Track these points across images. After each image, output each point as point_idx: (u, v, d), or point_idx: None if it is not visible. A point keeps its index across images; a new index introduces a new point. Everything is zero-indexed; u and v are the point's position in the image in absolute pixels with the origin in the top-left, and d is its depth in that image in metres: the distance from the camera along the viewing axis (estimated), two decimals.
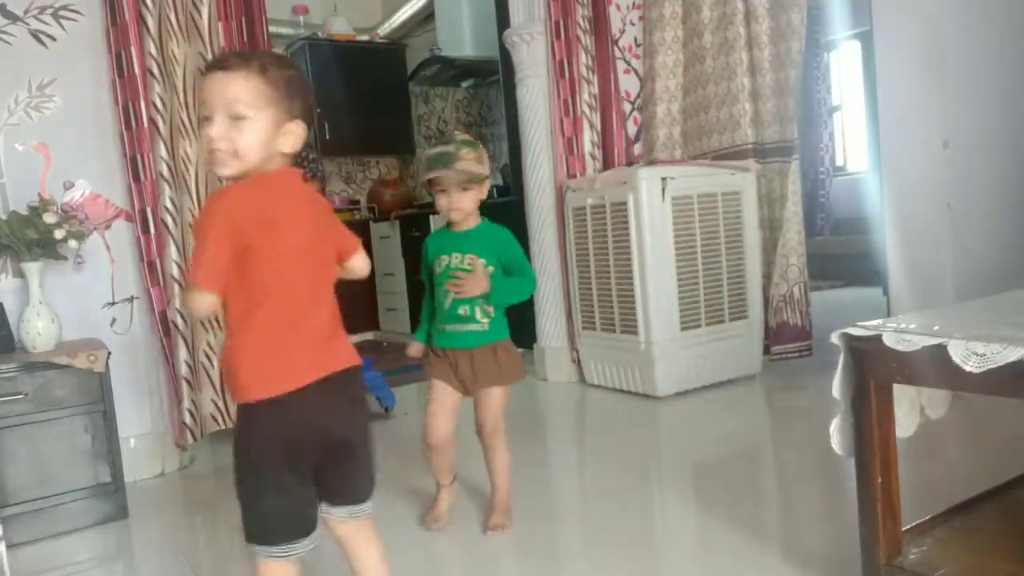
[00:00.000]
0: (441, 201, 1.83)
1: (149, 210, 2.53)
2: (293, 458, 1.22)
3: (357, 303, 5.43)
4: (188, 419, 2.58)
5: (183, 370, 2.58)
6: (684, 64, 3.61)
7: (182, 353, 2.58)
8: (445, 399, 1.87)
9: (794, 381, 3.23)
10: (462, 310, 1.82)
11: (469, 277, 1.81)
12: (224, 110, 1.14)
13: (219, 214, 1.13)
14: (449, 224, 1.89)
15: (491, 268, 1.82)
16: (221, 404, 2.72)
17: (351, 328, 3.65)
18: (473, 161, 1.80)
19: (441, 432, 1.88)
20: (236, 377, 1.20)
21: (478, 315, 1.83)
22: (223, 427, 2.72)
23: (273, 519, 1.27)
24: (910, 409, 1.36)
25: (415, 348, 1.96)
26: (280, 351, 1.17)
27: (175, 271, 2.57)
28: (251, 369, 1.17)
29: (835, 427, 1.34)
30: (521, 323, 4.14)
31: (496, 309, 1.85)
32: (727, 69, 3.41)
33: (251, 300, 1.14)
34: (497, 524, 1.89)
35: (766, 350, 3.34)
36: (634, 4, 3.67)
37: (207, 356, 2.70)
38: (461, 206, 1.83)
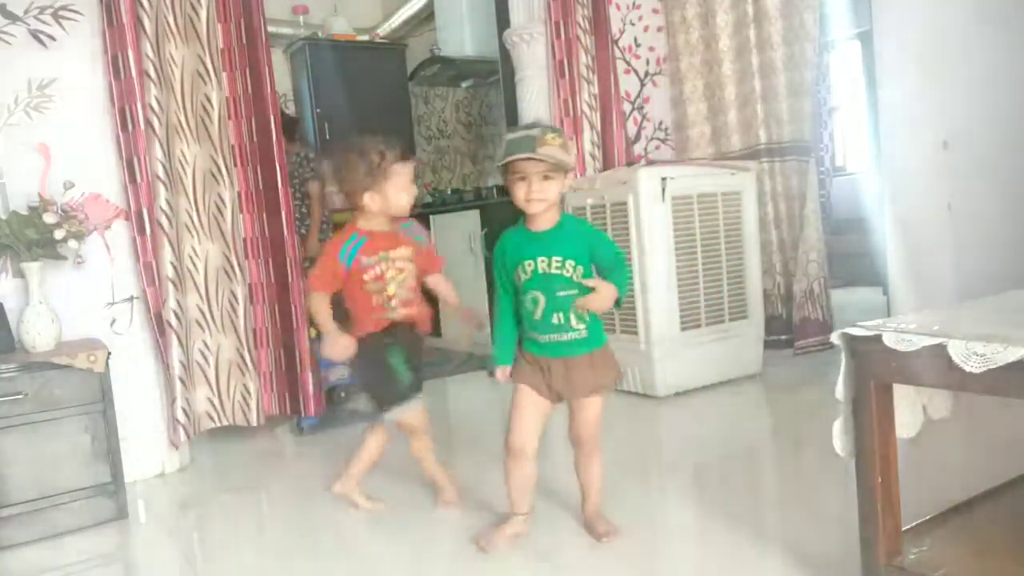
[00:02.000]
0: (518, 191, 1.65)
1: (145, 211, 2.53)
2: None
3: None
4: (181, 417, 2.58)
5: (177, 369, 2.58)
6: (711, 64, 3.66)
7: (176, 352, 2.58)
8: (534, 405, 1.73)
9: (794, 381, 3.23)
10: (556, 318, 1.68)
11: (593, 298, 1.68)
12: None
13: None
14: (526, 220, 1.72)
15: (580, 268, 1.68)
16: (216, 402, 2.72)
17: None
18: (559, 148, 1.63)
19: (527, 437, 1.73)
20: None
21: (573, 322, 1.70)
22: (218, 424, 2.73)
23: None
24: (912, 410, 1.36)
25: (503, 373, 1.79)
26: None
27: (170, 272, 2.57)
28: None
29: (838, 428, 1.34)
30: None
31: (591, 313, 1.71)
32: (746, 71, 3.47)
33: None
34: (606, 530, 1.80)
35: (788, 344, 3.37)
36: (635, 4, 3.67)
37: (202, 355, 2.70)
38: (544, 195, 1.64)
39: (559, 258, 1.67)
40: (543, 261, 1.68)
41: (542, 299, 1.68)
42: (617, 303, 1.71)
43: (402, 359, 2.02)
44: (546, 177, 1.64)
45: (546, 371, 1.72)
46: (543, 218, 1.69)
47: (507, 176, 1.67)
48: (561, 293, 1.68)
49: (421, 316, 2.09)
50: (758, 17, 3.42)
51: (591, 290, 1.68)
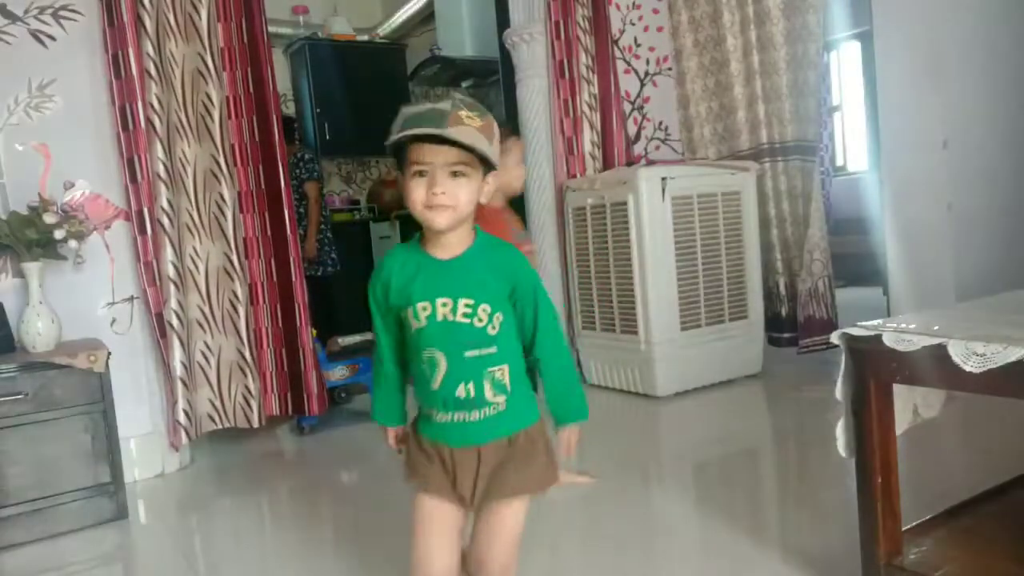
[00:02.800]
0: (415, 190, 1.11)
1: (146, 210, 2.53)
2: None
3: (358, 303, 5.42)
4: (183, 419, 2.58)
5: (178, 370, 2.57)
6: (720, 64, 3.68)
7: (177, 353, 2.58)
8: (441, 520, 1.21)
9: (794, 380, 3.23)
10: (462, 390, 1.15)
11: (570, 444, 1.26)
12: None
13: None
14: (423, 238, 1.19)
15: (499, 316, 1.16)
16: (218, 403, 2.72)
17: (353, 328, 3.64)
18: (478, 131, 1.10)
19: (438, 567, 1.20)
20: None
21: (488, 392, 1.16)
22: (220, 427, 2.72)
23: None
24: (902, 408, 1.36)
25: (392, 436, 1.32)
26: None
27: (171, 272, 2.57)
28: None
29: (840, 428, 1.34)
30: None
31: (515, 376, 1.19)
32: (751, 71, 3.49)
33: None
34: None
35: (793, 343, 3.37)
36: (635, 4, 3.67)
37: (204, 356, 2.70)
38: (454, 200, 1.11)
39: (469, 300, 1.14)
40: (444, 304, 1.14)
41: (442, 361, 1.15)
42: (509, 357, 1.20)
43: None
44: (458, 173, 1.11)
45: (450, 466, 1.19)
46: (450, 238, 1.16)
47: (401, 168, 1.15)
48: (471, 353, 1.15)
49: None
50: (763, 17, 3.43)
51: (518, 355, 1.21)
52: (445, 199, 1.11)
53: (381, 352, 1.27)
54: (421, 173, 1.11)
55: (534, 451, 1.21)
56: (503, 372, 1.18)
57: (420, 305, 1.15)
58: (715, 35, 3.64)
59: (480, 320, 1.15)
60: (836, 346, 1.34)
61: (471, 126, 1.10)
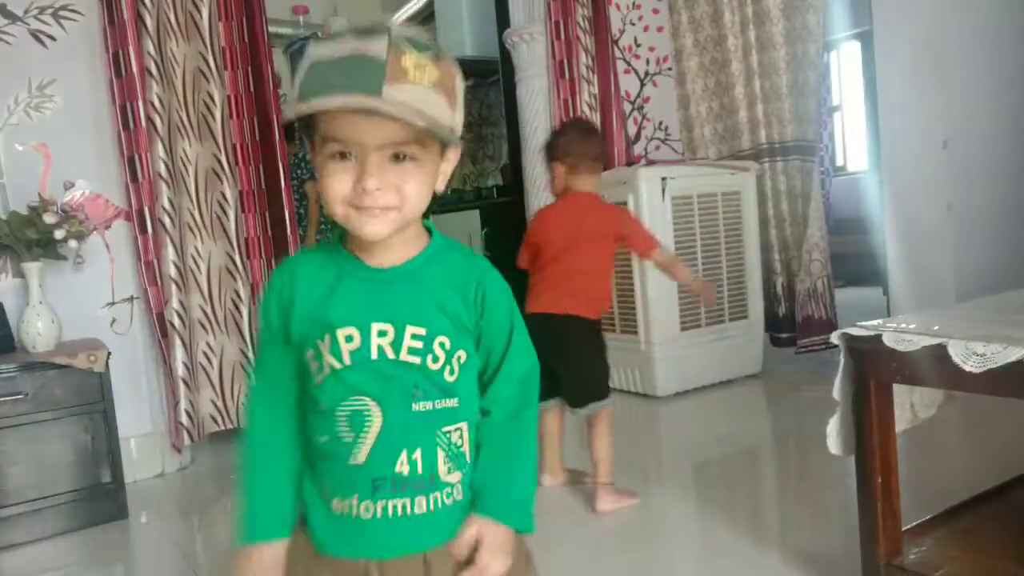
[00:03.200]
0: (334, 184, 0.76)
1: (147, 210, 2.53)
2: None
3: None
4: (185, 420, 2.58)
5: (180, 371, 2.57)
6: (720, 64, 3.68)
7: (179, 354, 2.57)
8: None
9: (794, 380, 3.23)
10: (404, 462, 0.80)
11: (486, 561, 0.81)
12: None
13: None
14: (348, 238, 0.83)
15: (461, 355, 0.82)
16: (220, 404, 2.72)
17: None
18: (433, 88, 0.74)
19: None
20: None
21: (442, 467, 0.82)
22: (222, 428, 2.72)
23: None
24: (900, 408, 1.36)
25: (271, 561, 0.87)
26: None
27: (172, 271, 2.57)
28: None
29: (832, 427, 1.34)
30: None
31: (475, 443, 0.85)
32: (752, 71, 3.50)
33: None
34: None
35: (792, 342, 3.38)
36: (635, 4, 3.68)
37: (206, 356, 2.70)
38: (395, 197, 0.76)
39: (419, 330, 0.80)
40: (382, 333, 0.79)
41: (376, 418, 0.79)
42: (465, 413, 0.84)
43: None
44: (402, 156, 0.76)
45: None
46: (392, 240, 0.80)
47: (310, 141, 0.79)
48: (422, 406, 0.80)
49: None
50: (763, 17, 3.45)
51: (471, 403, 0.85)
52: (383, 197, 0.75)
53: (264, 423, 0.85)
54: (343, 155, 0.75)
55: (501, 553, 0.83)
56: (462, 435, 0.83)
57: (343, 333, 0.78)
58: (715, 35, 3.65)
59: (436, 360, 0.80)
60: (835, 346, 1.34)
61: (421, 82, 0.72)
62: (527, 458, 0.89)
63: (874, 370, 1.27)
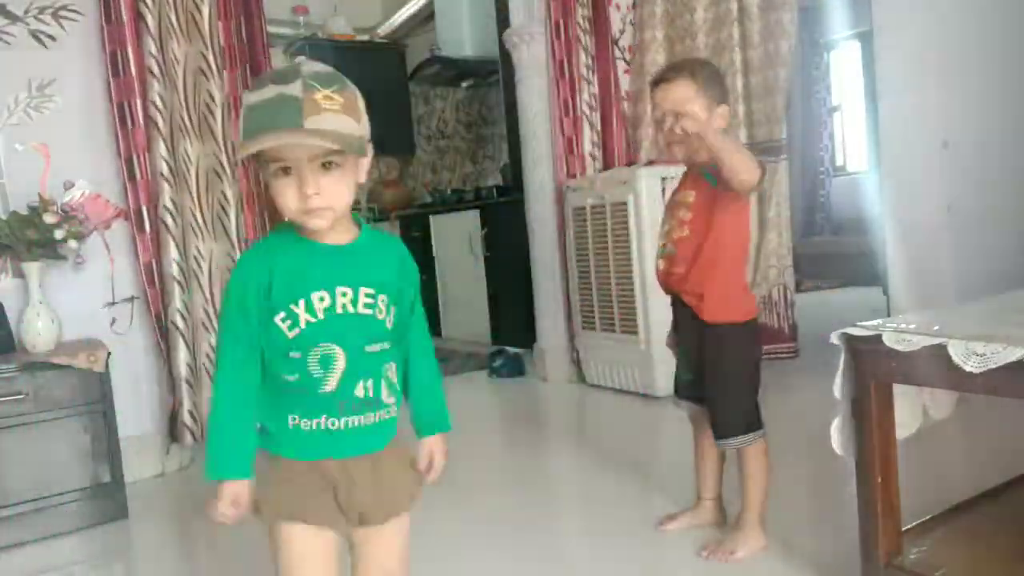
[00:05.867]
0: (285, 196, 1.01)
1: (145, 210, 2.53)
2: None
3: None
4: (188, 420, 2.58)
5: (183, 371, 2.57)
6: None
7: (182, 354, 2.57)
8: (325, 555, 1.09)
9: (793, 381, 3.22)
10: (360, 388, 1.06)
11: (436, 457, 1.18)
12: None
13: None
14: (299, 230, 1.07)
15: (394, 309, 1.10)
16: None
17: None
18: (340, 111, 0.97)
19: None
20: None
21: (385, 393, 1.09)
22: None
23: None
24: (912, 409, 1.36)
25: (233, 499, 1.04)
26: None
27: (174, 271, 2.56)
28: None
29: (835, 427, 1.34)
30: (520, 323, 4.17)
31: (400, 378, 1.14)
32: (724, 69, 3.43)
33: None
34: None
35: None
36: (633, 4, 3.67)
37: (208, 357, 2.69)
38: (333, 199, 1.01)
39: (369, 290, 1.05)
40: (343, 294, 1.04)
41: (340, 358, 1.04)
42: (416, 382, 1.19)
43: (681, 348, 1.76)
44: (329, 164, 0.99)
45: (339, 483, 1.06)
46: (337, 227, 1.06)
47: (260, 166, 1.03)
48: (372, 348, 1.06)
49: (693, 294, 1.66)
50: (731, 17, 3.37)
51: (403, 356, 1.14)
52: (320, 200, 0.99)
53: (237, 383, 1.06)
54: (286, 171, 0.99)
55: (407, 460, 1.15)
56: (393, 371, 1.10)
57: (316, 295, 1.03)
58: (681, 32, 3.55)
59: (380, 312, 1.06)
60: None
61: (331, 110, 0.96)
62: (440, 381, 1.22)
63: (874, 370, 1.27)
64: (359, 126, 1.00)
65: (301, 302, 1.03)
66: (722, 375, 1.66)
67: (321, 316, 1.03)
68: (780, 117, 3.30)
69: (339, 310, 1.04)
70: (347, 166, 1.01)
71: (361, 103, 1.02)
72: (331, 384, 1.04)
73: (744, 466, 1.69)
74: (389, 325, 1.08)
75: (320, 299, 1.03)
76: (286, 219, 1.05)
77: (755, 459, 1.68)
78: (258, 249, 1.13)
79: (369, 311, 1.05)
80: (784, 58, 3.23)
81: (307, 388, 1.05)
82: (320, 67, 0.99)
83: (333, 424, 1.06)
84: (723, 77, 1.73)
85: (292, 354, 1.04)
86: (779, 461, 2.41)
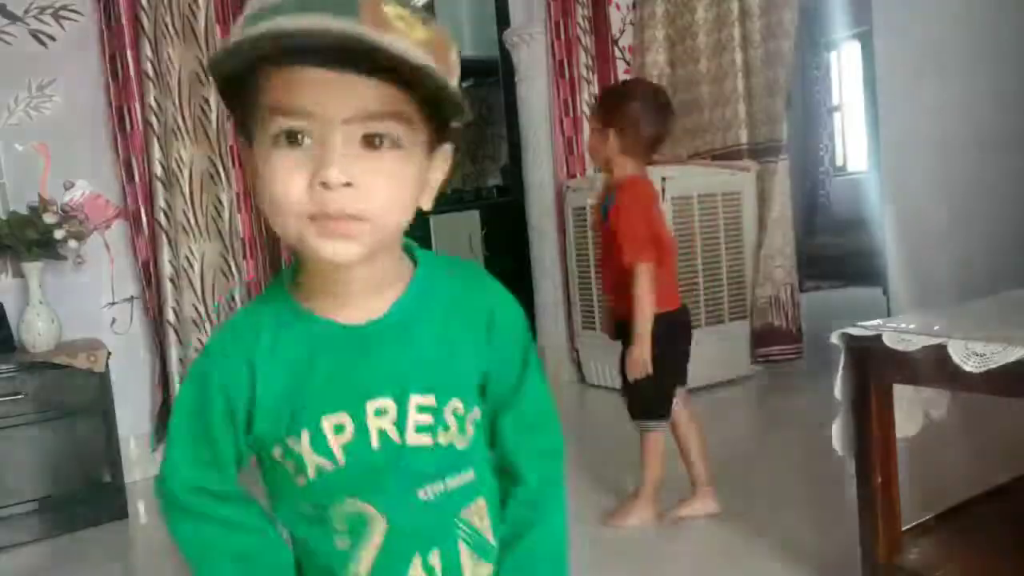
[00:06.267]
0: (284, 181, 0.55)
1: (143, 211, 2.53)
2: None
3: None
4: None
5: (177, 368, 2.57)
6: (675, 63, 3.61)
7: (175, 351, 2.57)
8: None
9: (794, 381, 3.22)
10: (418, 567, 0.63)
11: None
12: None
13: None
14: (299, 280, 0.65)
15: (475, 413, 0.66)
16: None
17: None
18: (419, 46, 0.53)
19: None
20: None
21: (467, 562, 0.65)
22: None
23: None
24: (912, 409, 1.36)
25: None
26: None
27: (169, 271, 2.57)
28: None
29: (837, 427, 1.34)
30: None
31: (495, 516, 0.68)
32: (721, 70, 3.43)
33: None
34: None
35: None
36: (633, 4, 3.67)
37: (196, 351, 2.70)
38: (368, 198, 0.55)
39: (427, 397, 0.63)
40: (382, 411, 0.62)
41: (378, 521, 0.63)
42: (487, 494, 0.69)
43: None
44: (379, 138, 0.56)
45: None
46: (363, 276, 0.62)
47: (246, 125, 0.59)
48: (430, 492, 0.64)
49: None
50: (740, 16, 3.36)
51: (493, 476, 0.69)
52: (352, 197, 0.54)
53: (210, 550, 0.73)
54: (293, 137, 0.55)
55: None
56: (482, 513, 0.65)
57: (331, 423, 0.61)
58: (681, 32, 3.55)
59: (447, 431, 0.63)
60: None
61: (409, 37, 0.53)
62: (562, 539, 0.70)
63: (874, 370, 1.27)
64: (449, 79, 0.56)
65: (304, 434, 0.61)
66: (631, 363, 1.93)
67: (340, 459, 0.61)
68: (780, 117, 3.29)
69: (374, 444, 0.61)
70: (411, 152, 0.57)
71: (456, 57, 0.59)
72: (363, 566, 0.62)
73: (641, 451, 1.96)
74: (462, 444, 0.64)
75: (337, 428, 0.61)
76: (278, 232, 0.57)
77: (649, 447, 1.96)
78: (233, 329, 0.66)
79: (428, 436, 0.62)
80: (784, 58, 3.23)
81: (327, 566, 0.64)
82: None
83: None
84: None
85: (303, 508, 0.65)
86: (781, 461, 2.41)
